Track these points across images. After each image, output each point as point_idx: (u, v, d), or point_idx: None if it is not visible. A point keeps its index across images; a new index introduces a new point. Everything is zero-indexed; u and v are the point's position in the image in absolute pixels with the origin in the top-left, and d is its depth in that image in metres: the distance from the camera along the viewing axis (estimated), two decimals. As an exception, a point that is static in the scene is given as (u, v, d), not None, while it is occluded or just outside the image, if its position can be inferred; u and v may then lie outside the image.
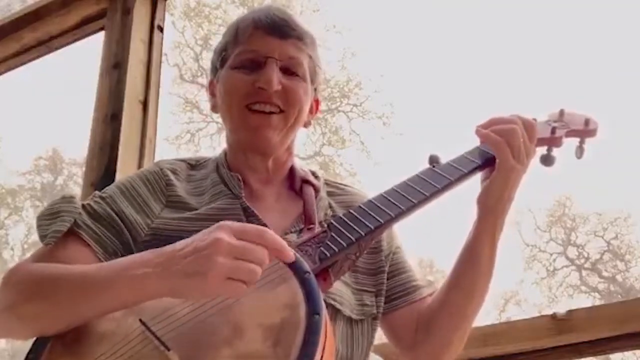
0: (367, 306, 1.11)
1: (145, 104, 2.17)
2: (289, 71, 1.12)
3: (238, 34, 1.14)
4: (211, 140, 12.74)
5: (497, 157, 1.04)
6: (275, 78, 1.08)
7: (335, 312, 1.04)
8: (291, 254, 0.84)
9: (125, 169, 1.99)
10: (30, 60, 2.66)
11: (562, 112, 1.22)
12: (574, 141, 1.21)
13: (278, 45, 1.11)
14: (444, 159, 1.08)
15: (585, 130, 1.20)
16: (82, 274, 0.89)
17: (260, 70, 1.10)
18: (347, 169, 12.92)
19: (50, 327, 0.88)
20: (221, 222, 0.82)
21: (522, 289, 12.95)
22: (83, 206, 1.05)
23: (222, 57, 1.16)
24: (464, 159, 1.08)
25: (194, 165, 1.19)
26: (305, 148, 12.59)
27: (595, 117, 1.21)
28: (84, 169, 2.20)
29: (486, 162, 1.07)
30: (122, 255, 1.00)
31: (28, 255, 1.04)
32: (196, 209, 1.08)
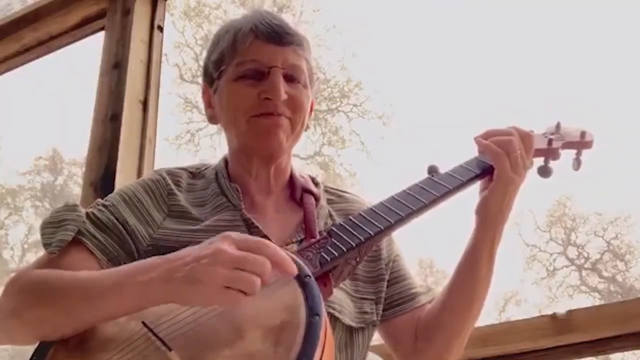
0: (367, 314, 1.11)
1: (145, 104, 2.17)
2: (291, 78, 1.10)
3: (236, 44, 1.11)
4: (211, 140, 12.75)
5: (496, 168, 1.06)
6: (282, 87, 1.07)
7: (334, 320, 1.04)
8: (294, 267, 0.82)
9: (125, 169, 1.99)
10: (30, 60, 2.66)
11: (558, 125, 1.24)
12: (571, 153, 1.23)
13: (280, 53, 1.09)
14: (442, 169, 1.10)
15: (581, 142, 1.22)
16: (87, 279, 0.89)
17: (264, 80, 1.08)
18: (347, 169, 12.93)
19: (54, 333, 0.88)
20: (225, 233, 0.83)
21: (522, 289, 12.96)
22: (87, 214, 1.05)
23: (220, 69, 1.13)
24: (462, 169, 1.10)
25: (194, 173, 1.18)
26: (305, 148, 12.61)
27: (590, 130, 1.23)
28: (84, 169, 2.19)
29: (484, 172, 1.09)
30: (125, 264, 1.00)
31: (28, 255, 1.05)
32: (198, 220, 1.08)
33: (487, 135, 1.10)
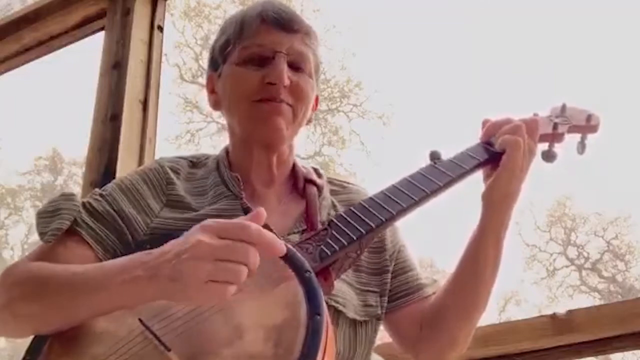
0: (371, 307, 1.10)
1: (145, 104, 2.16)
2: (296, 66, 1.10)
3: (243, 29, 1.10)
4: (211, 140, 12.76)
5: (510, 156, 1.04)
6: (285, 72, 1.06)
7: (337, 314, 1.03)
8: (282, 246, 0.79)
9: (125, 169, 1.98)
10: (30, 60, 2.65)
11: (564, 108, 1.22)
12: (575, 137, 1.21)
13: (286, 40, 1.09)
14: (445, 155, 1.07)
15: (587, 126, 1.19)
16: (77, 274, 0.88)
17: (268, 65, 1.07)
18: (347, 169, 12.93)
19: (46, 326, 0.88)
20: (203, 222, 0.80)
21: (522, 289, 12.97)
22: (83, 204, 1.04)
23: (225, 52, 1.13)
24: (466, 156, 1.07)
25: (195, 163, 1.17)
26: (305, 148, 12.61)
27: (597, 113, 1.21)
28: (84, 169, 2.19)
29: (488, 159, 1.07)
30: (121, 254, 0.99)
31: (28, 255, 1.04)
32: (196, 210, 1.07)
33: (497, 126, 1.09)
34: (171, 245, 0.80)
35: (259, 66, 1.08)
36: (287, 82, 1.06)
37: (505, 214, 1.07)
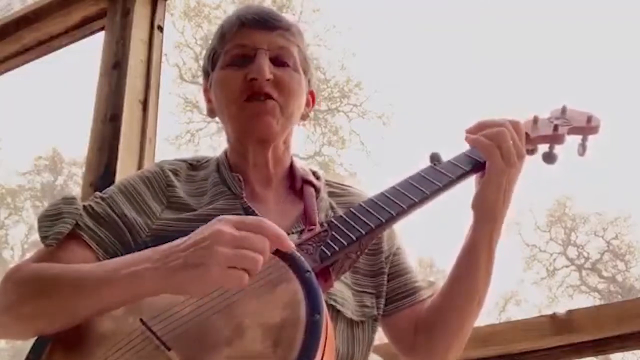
0: (367, 307, 1.10)
1: (145, 104, 2.17)
2: (280, 62, 1.12)
3: (225, 34, 1.15)
4: (211, 140, 12.78)
5: (487, 161, 1.03)
6: (267, 67, 1.09)
7: (336, 313, 1.03)
8: (290, 243, 0.83)
9: (125, 169, 1.99)
10: (30, 60, 2.65)
11: (564, 109, 1.21)
12: (576, 138, 1.20)
13: (266, 37, 1.12)
14: (445, 157, 1.07)
15: (587, 128, 1.19)
16: (81, 271, 0.89)
17: (251, 63, 1.10)
18: (347, 169, 12.94)
19: (50, 326, 0.88)
20: (220, 216, 0.82)
21: (522, 289, 12.98)
22: (84, 207, 1.05)
23: (212, 60, 1.17)
24: (466, 157, 1.07)
25: (195, 165, 1.19)
26: (305, 148, 12.63)
27: (597, 114, 1.21)
28: (84, 169, 2.19)
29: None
30: (122, 256, 1.00)
31: (28, 255, 1.04)
32: (195, 210, 1.08)
33: (480, 127, 1.07)
34: (183, 239, 0.81)
35: (243, 66, 1.11)
36: (268, 75, 1.08)
37: (496, 222, 1.06)
